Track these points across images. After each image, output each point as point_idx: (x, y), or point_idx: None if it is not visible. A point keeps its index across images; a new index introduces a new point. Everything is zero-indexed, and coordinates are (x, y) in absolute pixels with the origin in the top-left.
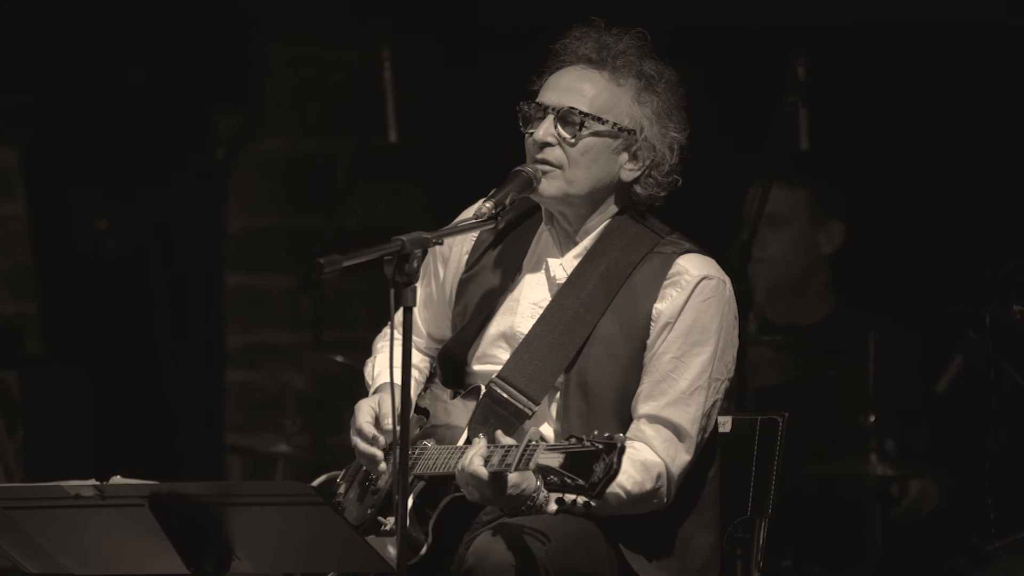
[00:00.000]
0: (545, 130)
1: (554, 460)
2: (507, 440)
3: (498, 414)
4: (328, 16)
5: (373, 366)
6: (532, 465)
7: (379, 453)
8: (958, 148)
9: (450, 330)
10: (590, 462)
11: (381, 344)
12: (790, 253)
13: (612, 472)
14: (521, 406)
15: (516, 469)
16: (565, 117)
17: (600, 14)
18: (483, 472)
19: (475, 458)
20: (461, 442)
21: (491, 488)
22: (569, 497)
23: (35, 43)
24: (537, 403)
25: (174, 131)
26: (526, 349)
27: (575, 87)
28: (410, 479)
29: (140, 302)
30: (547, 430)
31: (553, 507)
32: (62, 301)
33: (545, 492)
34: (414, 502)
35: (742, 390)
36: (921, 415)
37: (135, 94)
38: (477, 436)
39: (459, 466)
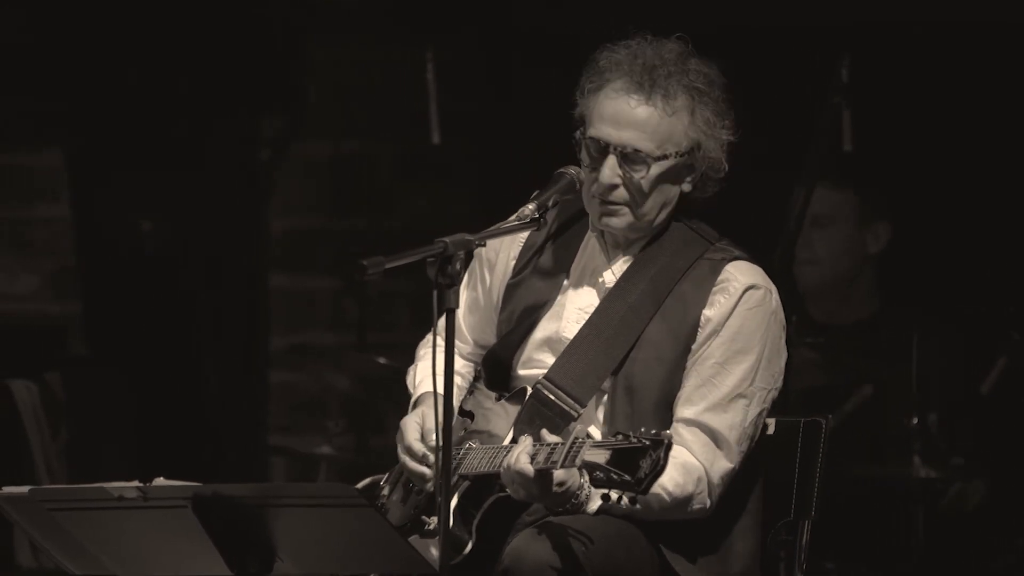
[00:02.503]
0: (611, 171)
1: (600, 456)
2: (552, 438)
3: (544, 415)
4: (371, 17)
5: (415, 374)
6: (578, 462)
7: (428, 472)
8: (1003, 148)
9: (495, 336)
10: (636, 458)
11: (424, 351)
12: (837, 254)
13: (659, 468)
14: (567, 408)
15: (562, 466)
16: (629, 156)
17: (642, 17)
18: (529, 469)
19: (521, 456)
20: (506, 442)
21: (536, 485)
22: (615, 494)
23: (78, 45)
24: (583, 405)
25: (218, 133)
26: (573, 351)
27: (632, 122)
28: (454, 480)
29: (183, 303)
30: (593, 432)
31: (595, 505)
32: (105, 302)
33: (588, 490)
34: (458, 501)
35: (785, 392)
36: (965, 416)
37: (179, 96)
38: (523, 436)
39: (504, 464)
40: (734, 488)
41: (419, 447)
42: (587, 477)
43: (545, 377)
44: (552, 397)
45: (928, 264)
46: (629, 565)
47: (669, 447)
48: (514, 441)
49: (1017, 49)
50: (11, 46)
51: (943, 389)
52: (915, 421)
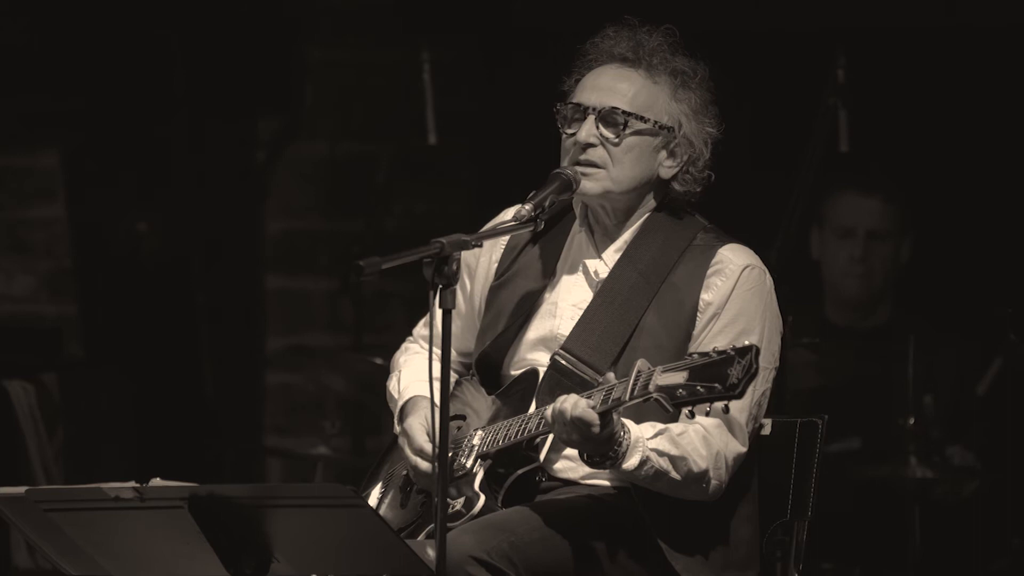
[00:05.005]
0: (587, 131)
1: (678, 378)
2: (609, 378)
3: (564, 385)
4: (368, 19)
5: (398, 381)
6: (651, 388)
7: None
8: (999, 150)
9: (475, 343)
10: (722, 368)
11: (404, 358)
12: (887, 266)
13: (752, 371)
14: (587, 377)
15: (631, 398)
16: (607, 117)
17: (640, 18)
18: (591, 415)
19: (579, 401)
20: (531, 411)
21: (599, 429)
22: (655, 452)
23: (75, 46)
24: (602, 373)
25: (215, 134)
26: (588, 321)
27: (614, 86)
28: (474, 462)
29: (180, 304)
30: None
31: (634, 461)
32: (102, 303)
33: (628, 442)
34: (483, 478)
35: (781, 393)
36: (962, 417)
37: (176, 97)
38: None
39: (559, 408)
40: (737, 475)
41: (431, 447)
42: (628, 429)
43: (562, 347)
44: (570, 367)
45: (923, 267)
46: (565, 562)
47: (758, 352)
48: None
49: (1011, 52)
50: (9, 47)
51: (940, 390)
52: (912, 422)
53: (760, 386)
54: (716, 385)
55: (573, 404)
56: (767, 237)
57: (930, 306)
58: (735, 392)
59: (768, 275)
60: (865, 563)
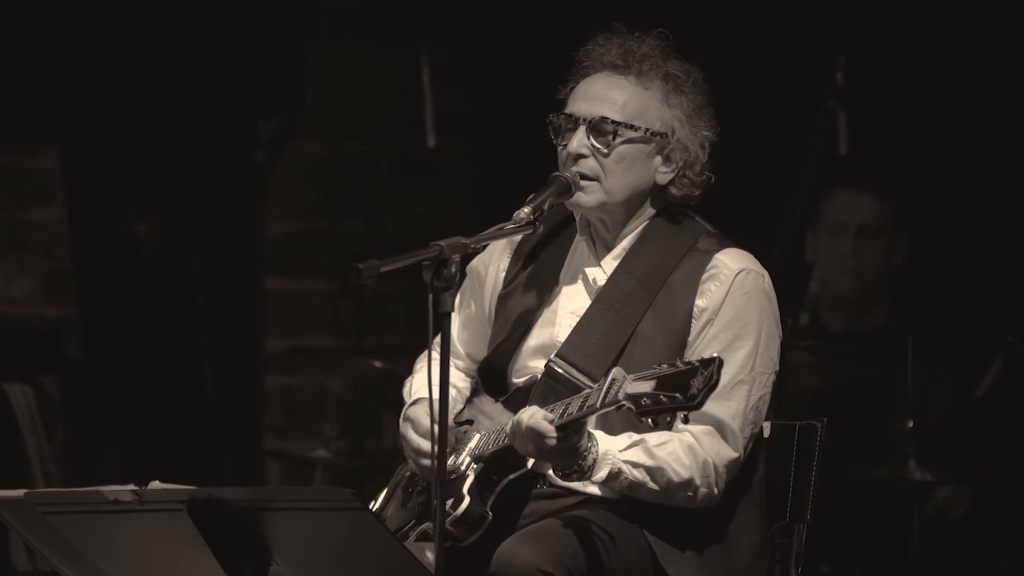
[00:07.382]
0: (578, 142)
1: (645, 387)
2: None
3: (558, 392)
4: (368, 19)
5: (411, 385)
6: (621, 396)
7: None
8: (998, 151)
9: (488, 349)
10: (687, 379)
11: (420, 364)
12: (881, 264)
13: (712, 383)
14: (581, 384)
15: (603, 406)
16: (597, 127)
17: (639, 19)
18: (545, 426)
19: (536, 412)
20: None
21: (555, 441)
22: (629, 464)
23: (74, 47)
24: (596, 380)
25: (215, 135)
26: (584, 328)
27: (604, 95)
28: (467, 462)
29: (180, 306)
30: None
31: (603, 474)
32: (101, 305)
33: (595, 455)
34: (475, 480)
35: (780, 395)
36: (961, 419)
37: (176, 98)
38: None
39: (516, 420)
40: (738, 480)
41: (427, 445)
42: (597, 441)
43: (557, 354)
44: (565, 373)
45: (922, 269)
46: (617, 568)
47: (721, 364)
48: None
49: (1011, 52)
50: (9, 47)
51: (939, 392)
52: (911, 424)
53: (757, 391)
54: (677, 395)
55: (529, 415)
56: (766, 239)
57: (929, 307)
58: (694, 403)
59: (767, 279)
60: (864, 565)
